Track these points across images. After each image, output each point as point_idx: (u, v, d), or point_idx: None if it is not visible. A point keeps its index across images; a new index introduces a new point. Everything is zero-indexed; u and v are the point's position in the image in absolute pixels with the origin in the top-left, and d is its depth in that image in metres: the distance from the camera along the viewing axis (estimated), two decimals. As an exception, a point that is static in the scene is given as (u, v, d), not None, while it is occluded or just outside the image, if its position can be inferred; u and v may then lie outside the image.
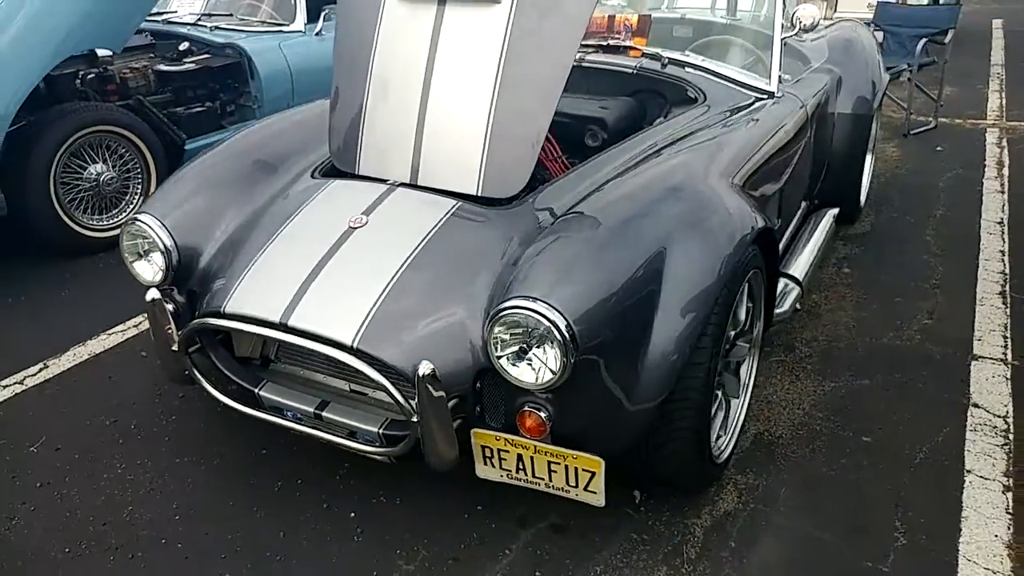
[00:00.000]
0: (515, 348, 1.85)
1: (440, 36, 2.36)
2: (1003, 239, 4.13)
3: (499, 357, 1.86)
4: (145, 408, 2.78)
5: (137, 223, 2.34)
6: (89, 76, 4.35)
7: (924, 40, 5.95)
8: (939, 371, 2.96)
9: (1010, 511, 2.26)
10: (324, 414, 2.13)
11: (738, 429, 2.50)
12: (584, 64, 3.24)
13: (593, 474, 1.94)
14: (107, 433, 2.66)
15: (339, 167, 2.55)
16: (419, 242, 2.13)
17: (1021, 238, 4.12)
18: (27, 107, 4.01)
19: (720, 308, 2.05)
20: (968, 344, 3.14)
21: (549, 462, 1.97)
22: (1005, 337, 3.18)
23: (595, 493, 1.98)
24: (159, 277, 2.34)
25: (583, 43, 3.35)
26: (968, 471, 2.43)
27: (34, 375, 3.02)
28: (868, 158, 4.58)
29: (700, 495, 2.35)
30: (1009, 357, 3.04)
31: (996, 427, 2.63)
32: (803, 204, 3.60)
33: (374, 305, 2.00)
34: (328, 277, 2.09)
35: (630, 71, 3.16)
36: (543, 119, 2.27)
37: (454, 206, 2.24)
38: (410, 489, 2.37)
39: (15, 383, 2.97)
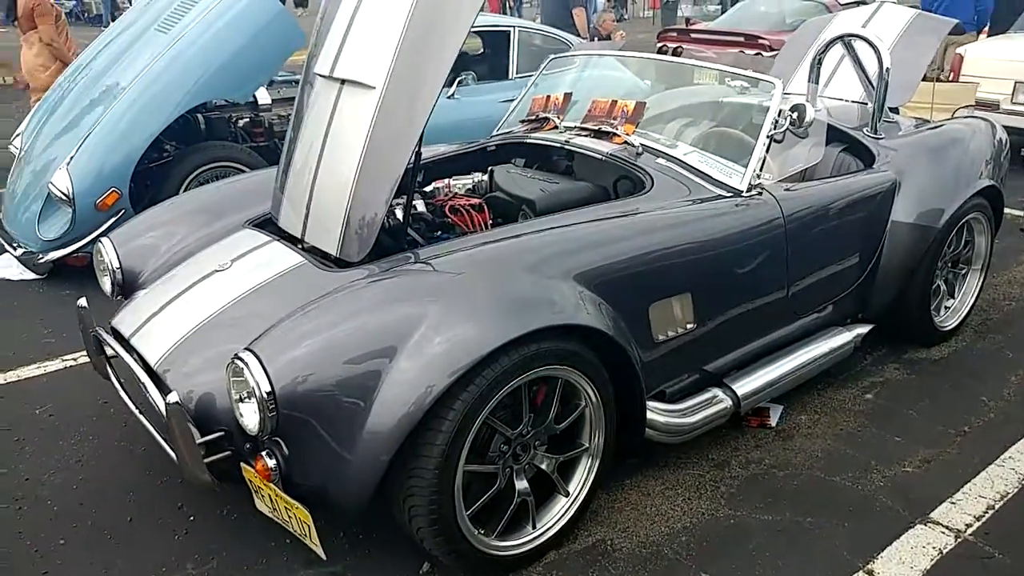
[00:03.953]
0: (240, 394, 2.05)
1: (336, 111, 2.63)
2: (1111, 396, 3.38)
3: (236, 399, 2.08)
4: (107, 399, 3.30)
5: (98, 244, 2.89)
6: (242, 120, 5.24)
7: None
8: (865, 526, 2.58)
9: None
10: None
11: (556, 528, 2.42)
12: (568, 147, 3.31)
13: (309, 526, 2.07)
14: (44, 419, 3.21)
15: (272, 219, 2.91)
16: (249, 288, 2.42)
17: None
18: (186, 140, 4.98)
19: (471, 396, 2.07)
20: (931, 506, 2.67)
21: (284, 507, 2.13)
22: (990, 509, 2.66)
23: (316, 545, 2.11)
24: (110, 291, 2.88)
25: (580, 124, 3.42)
26: (781, 638, 2.13)
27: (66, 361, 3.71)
28: (976, 277, 3.99)
29: (485, 583, 2.33)
30: (968, 532, 2.55)
31: (866, 601, 2.26)
32: (812, 315, 3.29)
33: (185, 335, 2.33)
34: (174, 307, 2.46)
35: (601, 157, 3.17)
36: (383, 197, 2.45)
37: (298, 263, 2.50)
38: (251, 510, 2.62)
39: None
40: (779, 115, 3.00)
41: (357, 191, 2.49)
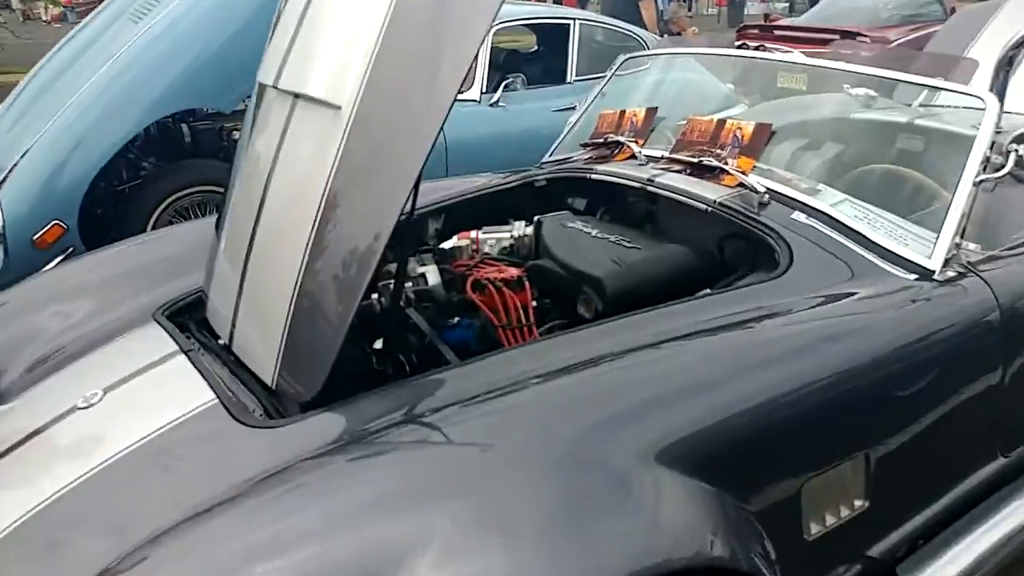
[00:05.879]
0: None
1: (286, 138, 1.62)
2: None
3: None
4: None
5: (-61, 334, 1.93)
6: (237, 132, 4.28)
7: None
8: None
9: None
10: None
11: None
12: (651, 188, 2.25)
13: None
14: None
15: (203, 298, 1.92)
16: (113, 454, 1.41)
17: None
18: (168, 157, 4.05)
19: None
20: None
21: None
22: None
23: None
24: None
25: (670, 154, 2.36)
26: None
27: None
28: None
29: None
30: None
31: None
32: (1017, 451, 2.16)
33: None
34: (4, 467, 1.48)
35: (705, 208, 2.10)
36: (354, 283, 1.42)
37: (206, 405, 1.48)
38: None
39: None
40: (991, 149, 1.91)
41: (309, 272, 1.47)
